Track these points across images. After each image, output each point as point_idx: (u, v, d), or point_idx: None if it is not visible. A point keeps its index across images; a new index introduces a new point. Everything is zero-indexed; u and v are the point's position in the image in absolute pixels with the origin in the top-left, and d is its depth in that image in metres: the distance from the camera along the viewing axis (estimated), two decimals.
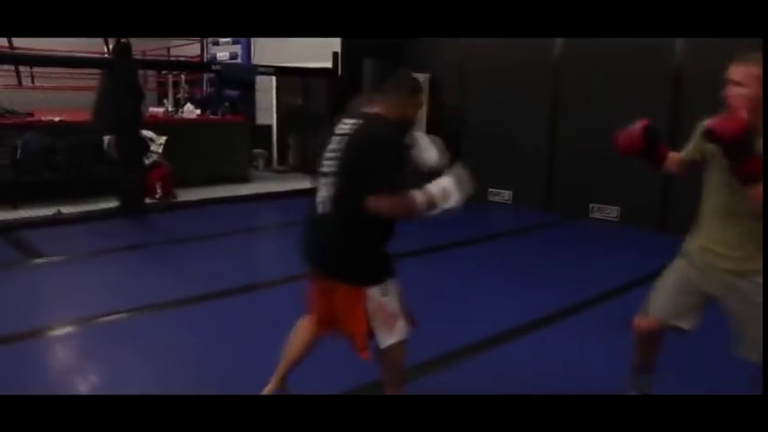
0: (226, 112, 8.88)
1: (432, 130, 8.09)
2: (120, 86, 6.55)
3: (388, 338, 2.47)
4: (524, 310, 4.12)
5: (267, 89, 9.96)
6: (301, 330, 2.67)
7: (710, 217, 2.34)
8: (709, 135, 2.04)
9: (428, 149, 2.53)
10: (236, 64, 9.51)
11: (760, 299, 2.16)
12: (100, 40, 9.59)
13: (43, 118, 7.29)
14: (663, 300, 2.48)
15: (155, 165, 7.38)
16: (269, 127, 10.26)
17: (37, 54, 7.77)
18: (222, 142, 8.47)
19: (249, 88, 9.12)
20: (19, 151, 6.79)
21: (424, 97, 8.20)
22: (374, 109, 2.42)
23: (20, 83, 8.88)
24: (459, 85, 8.06)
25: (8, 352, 3.42)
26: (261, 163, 10.11)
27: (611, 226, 6.84)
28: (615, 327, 3.08)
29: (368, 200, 2.23)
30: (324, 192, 2.37)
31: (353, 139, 2.31)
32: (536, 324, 3.93)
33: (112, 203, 6.79)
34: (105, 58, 6.57)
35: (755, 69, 2.05)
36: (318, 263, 2.48)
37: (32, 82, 8.98)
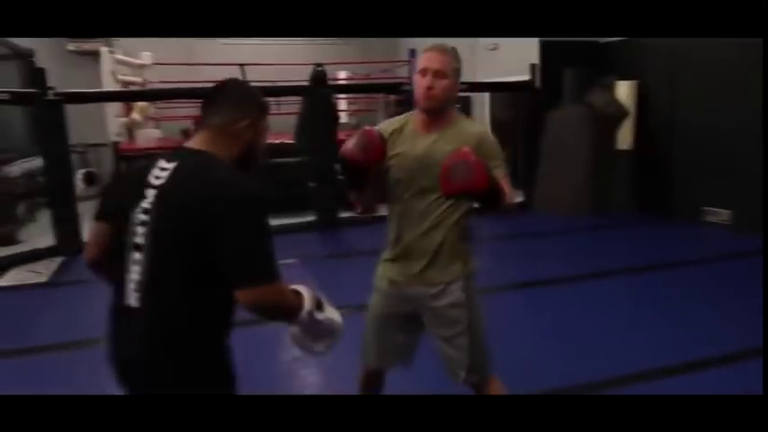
0: None
1: (639, 143, 7.47)
2: (317, 111, 7.11)
3: None
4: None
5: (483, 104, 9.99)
6: None
7: None
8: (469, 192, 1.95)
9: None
10: None
11: None
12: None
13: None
14: None
15: None
16: None
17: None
18: None
19: None
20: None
21: (631, 106, 7.73)
22: (201, 145, 1.64)
23: None
24: (671, 92, 7.22)
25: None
26: None
27: None
28: None
29: (240, 292, 1.49)
30: (134, 274, 1.56)
31: (175, 192, 1.54)
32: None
33: (309, 217, 7.35)
34: (304, 86, 7.17)
35: (452, 62, 2.10)
36: (130, 382, 1.63)
37: None
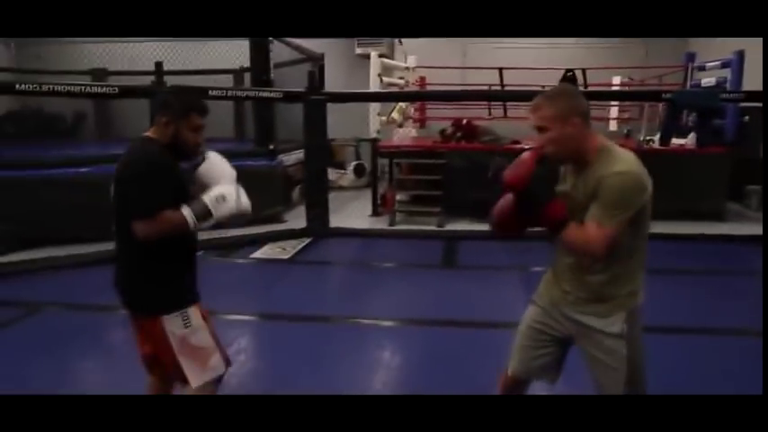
0: (707, 142, 8.05)
1: None
2: None
3: (198, 376, 2.26)
4: None
5: None
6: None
7: None
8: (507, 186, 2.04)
9: (220, 174, 2.33)
10: (694, 91, 8.54)
11: None
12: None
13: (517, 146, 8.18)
14: None
15: None
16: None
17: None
18: (690, 174, 7.74)
19: (713, 115, 8.10)
20: (490, 173, 7.79)
21: None
22: (148, 133, 2.31)
23: (505, 114, 10.08)
24: None
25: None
26: (754, 201, 8.78)
27: None
28: None
29: (133, 227, 2.15)
30: (113, 227, 2.29)
31: (119, 164, 2.24)
32: None
33: None
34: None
35: (549, 111, 2.02)
36: (121, 300, 2.36)
37: (504, 113, 10.06)
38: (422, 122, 11.39)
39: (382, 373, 3.70)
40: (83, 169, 6.34)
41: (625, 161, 2.00)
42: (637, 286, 2.12)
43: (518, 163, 2.02)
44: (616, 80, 10.69)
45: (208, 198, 2.24)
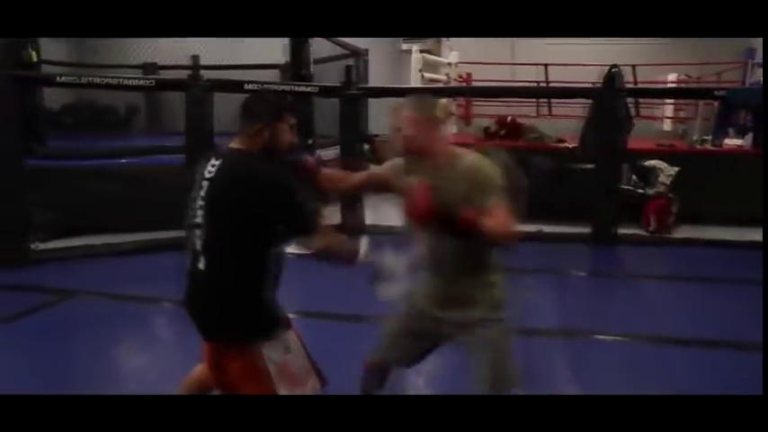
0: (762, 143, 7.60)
1: None
2: (604, 115, 6.58)
3: None
4: None
5: None
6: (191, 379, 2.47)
7: None
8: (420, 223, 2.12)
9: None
10: (749, 89, 8.08)
11: None
12: None
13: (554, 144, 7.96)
14: None
15: (656, 196, 7.12)
16: None
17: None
18: (744, 176, 7.31)
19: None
20: (533, 171, 7.61)
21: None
22: (236, 144, 2.19)
23: (549, 112, 9.82)
24: None
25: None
26: None
27: None
28: None
29: (305, 240, 2.11)
30: (196, 245, 2.10)
31: (220, 183, 2.08)
32: None
33: (583, 229, 6.85)
34: (595, 89, 6.70)
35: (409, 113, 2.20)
36: (201, 326, 2.17)
37: (549, 111, 9.78)
38: (467, 119, 11.24)
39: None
40: (123, 160, 6.50)
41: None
42: None
43: (415, 198, 2.05)
44: (671, 77, 10.27)
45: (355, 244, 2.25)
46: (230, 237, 2.06)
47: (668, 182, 7.18)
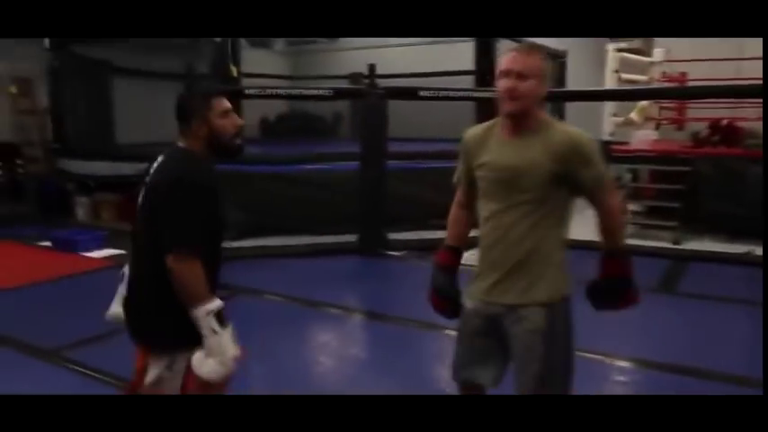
0: None
1: None
2: None
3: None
4: None
5: None
6: None
7: None
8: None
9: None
10: None
11: None
12: None
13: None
14: None
15: None
16: None
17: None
18: None
19: None
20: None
21: None
22: (179, 142, 2.09)
23: None
24: None
25: None
26: None
27: None
28: None
29: (167, 259, 1.90)
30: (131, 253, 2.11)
31: (150, 183, 2.03)
32: None
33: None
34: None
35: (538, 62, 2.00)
36: (128, 329, 2.12)
37: None
38: (679, 123, 10.09)
39: None
40: (307, 166, 6.87)
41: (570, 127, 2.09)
42: None
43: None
44: None
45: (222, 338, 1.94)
46: (144, 241, 2.02)
47: None
